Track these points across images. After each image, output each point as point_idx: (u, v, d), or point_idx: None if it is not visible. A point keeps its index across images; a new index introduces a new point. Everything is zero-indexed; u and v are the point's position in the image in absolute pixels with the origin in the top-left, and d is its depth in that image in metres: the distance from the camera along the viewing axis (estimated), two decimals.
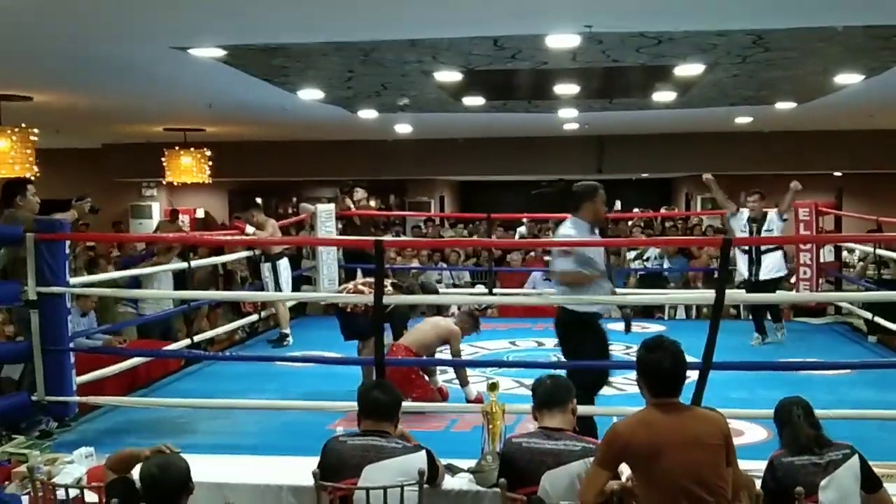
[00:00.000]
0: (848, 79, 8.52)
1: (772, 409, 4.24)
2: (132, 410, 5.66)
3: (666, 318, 10.46)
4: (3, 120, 9.04)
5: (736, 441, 4.46)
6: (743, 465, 3.73)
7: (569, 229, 5.06)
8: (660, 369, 3.23)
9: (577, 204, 5.03)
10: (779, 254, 8.09)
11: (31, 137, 8.91)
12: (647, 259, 10.94)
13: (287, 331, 8.17)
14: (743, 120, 12.26)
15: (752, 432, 5.18)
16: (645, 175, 17.61)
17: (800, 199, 10.00)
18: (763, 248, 7.89)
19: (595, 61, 7.62)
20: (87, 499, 3.64)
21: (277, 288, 8.13)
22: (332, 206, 9.43)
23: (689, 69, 7.98)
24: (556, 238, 5.21)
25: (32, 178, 8.06)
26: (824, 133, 13.55)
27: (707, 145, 14.17)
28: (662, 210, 15.64)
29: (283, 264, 8.28)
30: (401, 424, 3.88)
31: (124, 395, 6.19)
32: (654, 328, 9.32)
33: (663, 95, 9.67)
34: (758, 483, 3.63)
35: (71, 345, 5.33)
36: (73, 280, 5.51)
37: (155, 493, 3.11)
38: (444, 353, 6.09)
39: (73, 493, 3.61)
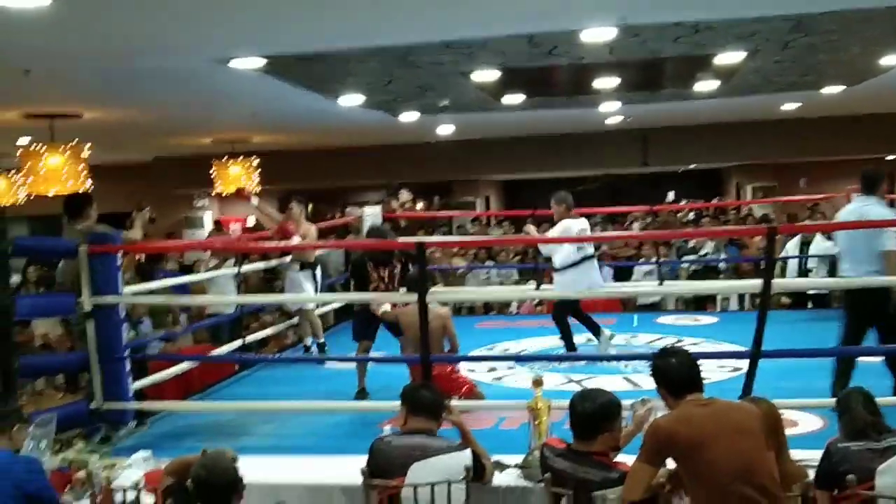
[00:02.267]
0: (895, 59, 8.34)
1: (826, 399, 4.20)
2: (188, 415, 5.80)
3: (718, 309, 10.35)
4: (55, 137, 9.30)
5: (790, 431, 4.43)
6: (798, 454, 3.71)
7: (886, 208, 5.55)
8: (672, 370, 3.33)
9: (878, 185, 5.55)
10: (567, 274, 6.93)
11: (83, 154, 9.14)
12: (706, 255, 10.82)
13: (322, 340, 7.95)
14: (789, 106, 12.05)
15: (806, 422, 5.11)
16: (692, 166, 17.40)
17: (851, 185, 9.83)
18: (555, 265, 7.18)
19: (633, 53, 7.57)
20: (144, 501, 3.74)
21: (316, 290, 7.94)
22: (378, 208, 9.51)
23: (729, 57, 7.88)
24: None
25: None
26: (874, 116, 13.21)
27: (754, 133, 13.95)
28: (715, 201, 15.40)
29: (318, 272, 8.08)
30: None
31: (181, 400, 6.34)
32: (705, 320, 9.25)
33: (706, 85, 9.56)
34: (812, 473, 3.61)
35: (126, 353, 5.48)
36: (126, 290, 5.64)
37: (205, 493, 3.20)
38: None
39: (131, 495, 3.71)
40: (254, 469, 3.53)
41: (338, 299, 7.77)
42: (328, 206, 18.21)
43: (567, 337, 7.14)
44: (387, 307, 6.04)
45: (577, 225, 7.07)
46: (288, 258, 8.15)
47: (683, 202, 13.88)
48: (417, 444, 3.69)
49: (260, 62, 7.04)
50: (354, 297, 6.15)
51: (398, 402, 4.01)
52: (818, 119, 13.32)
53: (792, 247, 9.33)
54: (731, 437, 3.07)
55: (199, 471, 3.23)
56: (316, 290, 7.86)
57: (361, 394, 6.10)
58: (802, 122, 13.44)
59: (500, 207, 18.57)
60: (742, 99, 10.78)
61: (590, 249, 7.08)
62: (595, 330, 7.17)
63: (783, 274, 9.11)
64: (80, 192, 6.65)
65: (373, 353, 6.40)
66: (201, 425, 5.55)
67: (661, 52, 7.58)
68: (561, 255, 6.99)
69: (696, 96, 10.38)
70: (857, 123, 13.36)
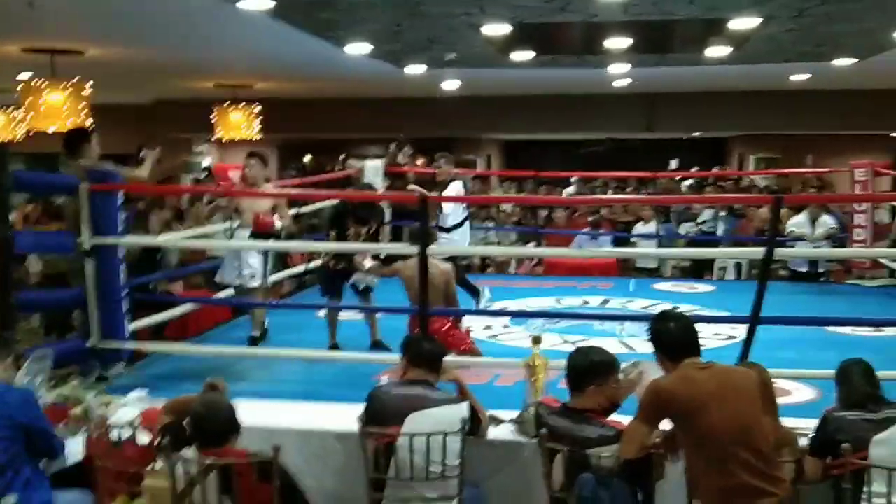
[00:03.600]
0: None
1: (820, 370, 4.22)
2: (184, 357, 5.80)
3: (714, 278, 10.36)
4: (56, 73, 9.18)
5: (783, 400, 4.46)
6: (790, 423, 3.74)
7: None
8: (670, 334, 3.31)
9: None
10: (456, 233, 7.37)
11: (84, 92, 9.04)
12: (704, 223, 10.81)
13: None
14: (799, 77, 11.94)
15: (799, 392, 5.13)
16: (697, 134, 17.31)
17: (855, 160, 9.80)
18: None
19: (647, 14, 7.46)
20: (139, 439, 3.75)
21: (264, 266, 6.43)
22: (379, 162, 9.39)
23: (743, 23, 7.76)
24: None
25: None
26: (883, 92, 13.10)
27: (761, 103, 13.85)
28: (715, 170, 15.36)
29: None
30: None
31: (177, 341, 6.33)
32: (702, 288, 9.26)
33: (717, 50, 9.43)
34: (802, 441, 3.64)
35: (124, 293, 5.45)
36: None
37: (203, 431, 3.22)
38: None
39: (127, 433, 3.72)
40: (249, 413, 3.54)
41: (339, 249, 6.21)
42: (328, 157, 18.13)
43: (475, 291, 7.33)
44: (369, 262, 6.02)
45: (460, 185, 7.59)
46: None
47: (694, 170, 13.81)
48: (415, 395, 3.70)
49: (268, 4, 6.90)
50: (351, 247, 6.03)
51: (394, 355, 4.01)
52: (827, 92, 13.23)
53: (802, 222, 9.30)
54: (731, 400, 3.07)
55: (197, 409, 3.24)
56: (265, 266, 6.40)
57: (334, 349, 6.07)
58: (810, 94, 13.34)
59: (501, 167, 18.49)
60: (752, 67, 10.67)
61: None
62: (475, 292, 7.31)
63: None
64: (79, 127, 6.45)
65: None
66: (196, 368, 5.53)
67: (674, 14, 7.47)
68: (453, 215, 7.36)
69: (706, 62, 10.26)
70: (866, 98, 13.25)
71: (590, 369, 3.54)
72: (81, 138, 5.76)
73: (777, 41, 8.91)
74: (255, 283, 6.30)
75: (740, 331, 5.16)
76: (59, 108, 8.89)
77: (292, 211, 8.09)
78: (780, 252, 4.99)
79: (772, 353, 5.12)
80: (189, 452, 3.23)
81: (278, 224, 6.34)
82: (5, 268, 5.01)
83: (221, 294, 6.76)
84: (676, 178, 12.90)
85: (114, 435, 3.71)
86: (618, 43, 8.99)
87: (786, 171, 13.62)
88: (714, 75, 11.48)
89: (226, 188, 6.51)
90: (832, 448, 3.38)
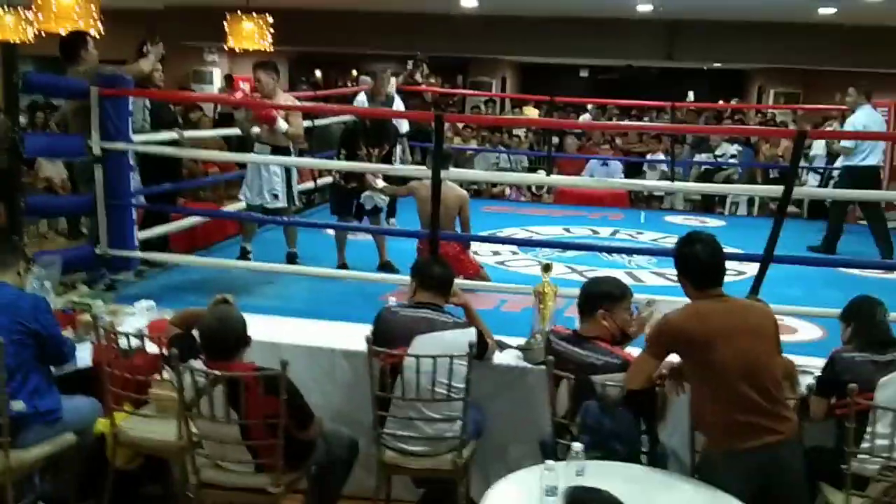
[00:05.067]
0: None
1: (828, 308, 4.20)
2: (191, 269, 5.80)
3: (726, 213, 10.30)
4: None
5: (789, 338, 4.46)
6: (796, 361, 3.73)
7: None
8: (698, 261, 3.19)
9: None
10: None
11: None
12: (723, 156, 10.70)
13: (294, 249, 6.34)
14: (826, 10, 11.64)
15: (806, 330, 5.13)
16: (717, 65, 16.97)
17: (878, 98, 9.58)
18: None
19: None
20: (147, 348, 3.77)
21: (289, 186, 6.21)
22: (393, 79, 9.21)
23: None
24: None
25: (97, 35, 7.98)
26: None
27: (785, 36, 13.52)
28: (733, 102, 15.10)
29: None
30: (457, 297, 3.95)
31: (185, 254, 6.32)
32: (712, 223, 9.21)
33: None
34: (808, 379, 3.65)
35: (133, 200, 5.42)
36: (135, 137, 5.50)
37: (214, 343, 3.22)
38: None
39: (135, 342, 3.73)
40: (256, 328, 3.54)
41: (353, 168, 5.99)
42: (340, 72, 17.86)
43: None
44: (381, 182, 5.96)
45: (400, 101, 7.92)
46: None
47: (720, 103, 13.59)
48: (424, 317, 3.69)
49: None
50: (365, 167, 5.99)
51: (402, 276, 3.98)
52: (853, 27, 12.88)
53: (819, 155, 9.17)
54: (744, 336, 3.04)
55: (210, 321, 3.23)
56: (289, 185, 6.16)
57: (342, 268, 6.04)
58: (837, 29, 13.01)
59: (516, 90, 18.21)
60: None
61: None
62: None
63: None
64: (73, 32, 6.18)
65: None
66: (203, 281, 5.56)
67: None
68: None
69: None
70: (890, 36, 12.90)
71: (600, 295, 3.53)
72: (78, 44, 5.63)
73: None
74: (281, 204, 6.12)
75: (749, 267, 5.12)
76: (70, 10, 8.65)
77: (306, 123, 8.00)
78: (797, 191, 4.89)
79: (779, 290, 5.11)
80: (197, 363, 3.24)
81: (281, 124, 5.92)
82: (16, 171, 4.98)
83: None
84: (691, 109, 12.70)
85: (122, 343, 3.72)
86: None
87: (807, 106, 13.38)
88: (739, 4, 11.18)
89: (242, 99, 6.40)
90: (838, 388, 3.38)
